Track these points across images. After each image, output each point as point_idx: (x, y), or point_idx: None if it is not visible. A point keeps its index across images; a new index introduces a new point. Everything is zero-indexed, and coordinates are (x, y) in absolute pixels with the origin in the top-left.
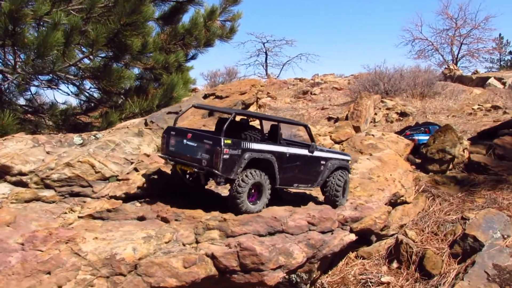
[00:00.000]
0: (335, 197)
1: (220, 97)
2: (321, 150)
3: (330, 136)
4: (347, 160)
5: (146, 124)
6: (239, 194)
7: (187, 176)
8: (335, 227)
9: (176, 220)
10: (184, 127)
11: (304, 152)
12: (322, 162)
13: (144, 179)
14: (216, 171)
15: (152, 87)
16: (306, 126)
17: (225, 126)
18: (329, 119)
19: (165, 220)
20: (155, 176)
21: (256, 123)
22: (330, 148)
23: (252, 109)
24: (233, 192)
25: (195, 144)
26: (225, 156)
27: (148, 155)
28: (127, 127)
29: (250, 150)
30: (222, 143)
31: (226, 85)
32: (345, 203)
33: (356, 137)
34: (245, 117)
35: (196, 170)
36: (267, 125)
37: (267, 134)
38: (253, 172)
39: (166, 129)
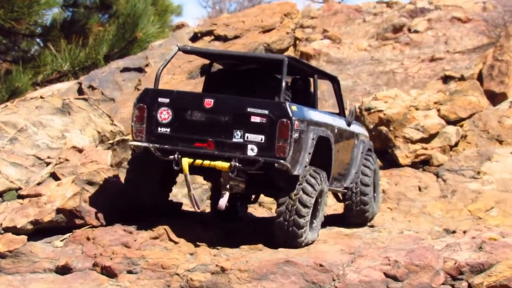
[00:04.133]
0: (363, 205)
1: (224, 38)
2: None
3: (438, 110)
4: (367, 137)
5: (80, 91)
6: (303, 211)
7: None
8: (438, 284)
9: (130, 272)
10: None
11: (344, 125)
12: (356, 141)
13: (71, 194)
14: (284, 163)
15: (96, 21)
16: (334, 80)
17: (283, 80)
18: (446, 79)
19: (109, 272)
20: (94, 189)
21: None
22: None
23: None
24: (291, 208)
25: (227, 118)
26: (295, 135)
27: (80, 150)
28: (41, 98)
29: (313, 122)
30: (291, 112)
31: (236, 15)
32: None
33: (488, 112)
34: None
35: (236, 165)
36: None
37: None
38: (318, 170)
39: (145, 93)
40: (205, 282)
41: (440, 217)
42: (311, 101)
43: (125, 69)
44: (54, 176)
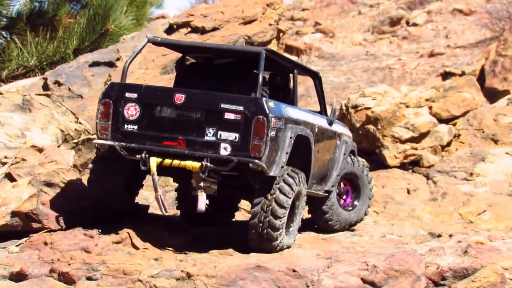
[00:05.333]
0: (322, 214)
1: (201, 30)
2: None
3: (430, 108)
4: (351, 137)
5: (46, 87)
6: (280, 213)
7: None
8: None
9: (89, 278)
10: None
11: (325, 124)
12: (338, 141)
13: (27, 196)
14: (260, 163)
15: (67, 13)
16: (315, 75)
17: (260, 75)
18: (446, 76)
19: (67, 278)
20: (53, 191)
21: None
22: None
23: None
24: (267, 208)
25: (199, 115)
26: (272, 134)
27: (40, 149)
28: (0, 94)
29: (291, 120)
30: (267, 109)
31: (216, 5)
32: (364, 216)
33: (484, 110)
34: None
35: (208, 165)
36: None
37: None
38: (296, 170)
39: (111, 87)
40: None
41: (428, 221)
42: (290, 98)
43: (95, 64)
44: (9, 177)
